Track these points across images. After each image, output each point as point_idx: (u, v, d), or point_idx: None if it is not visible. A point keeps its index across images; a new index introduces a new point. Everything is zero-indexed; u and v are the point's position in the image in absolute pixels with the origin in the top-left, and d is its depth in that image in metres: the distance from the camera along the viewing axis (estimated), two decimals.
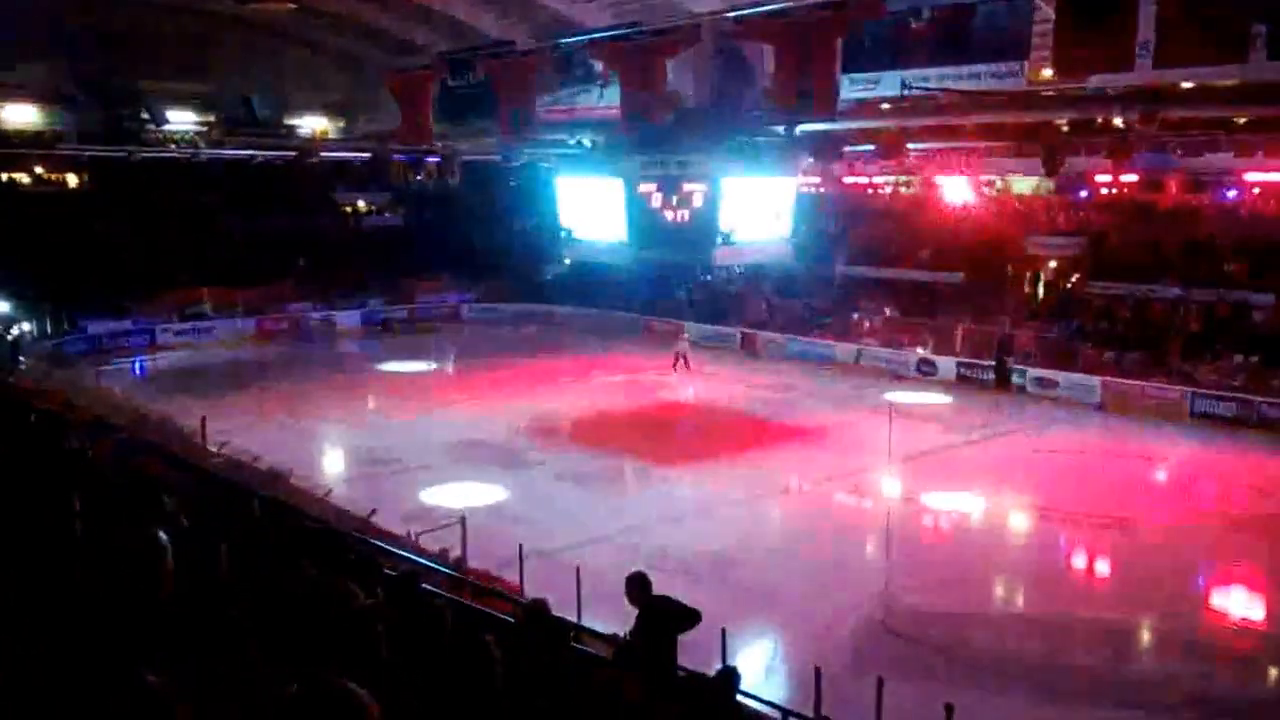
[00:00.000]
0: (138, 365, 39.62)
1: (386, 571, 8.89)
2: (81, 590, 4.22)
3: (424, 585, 9.56)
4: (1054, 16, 31.51)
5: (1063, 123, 34.43)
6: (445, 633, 6.12)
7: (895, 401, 31.70)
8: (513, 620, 9.55)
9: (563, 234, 33.50)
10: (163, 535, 4.25)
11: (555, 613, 7.45)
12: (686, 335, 40.44)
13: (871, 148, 41.83)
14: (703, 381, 37.51)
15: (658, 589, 9.21)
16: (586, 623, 13.02)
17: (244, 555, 6.38)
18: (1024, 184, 44.65)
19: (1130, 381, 32.66)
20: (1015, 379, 34.98)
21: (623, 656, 8.95)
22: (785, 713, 10.59)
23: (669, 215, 31.19)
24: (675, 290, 47.33)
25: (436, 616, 6.35)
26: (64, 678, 3.54)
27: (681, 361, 38.20)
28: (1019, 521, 23.54)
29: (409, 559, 13.58)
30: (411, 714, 4.72)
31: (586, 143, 49.20)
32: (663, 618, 8.86)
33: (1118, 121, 33.57)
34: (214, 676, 3.85)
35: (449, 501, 22.10)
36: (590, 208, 32.17)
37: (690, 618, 8.89)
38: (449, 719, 5.23)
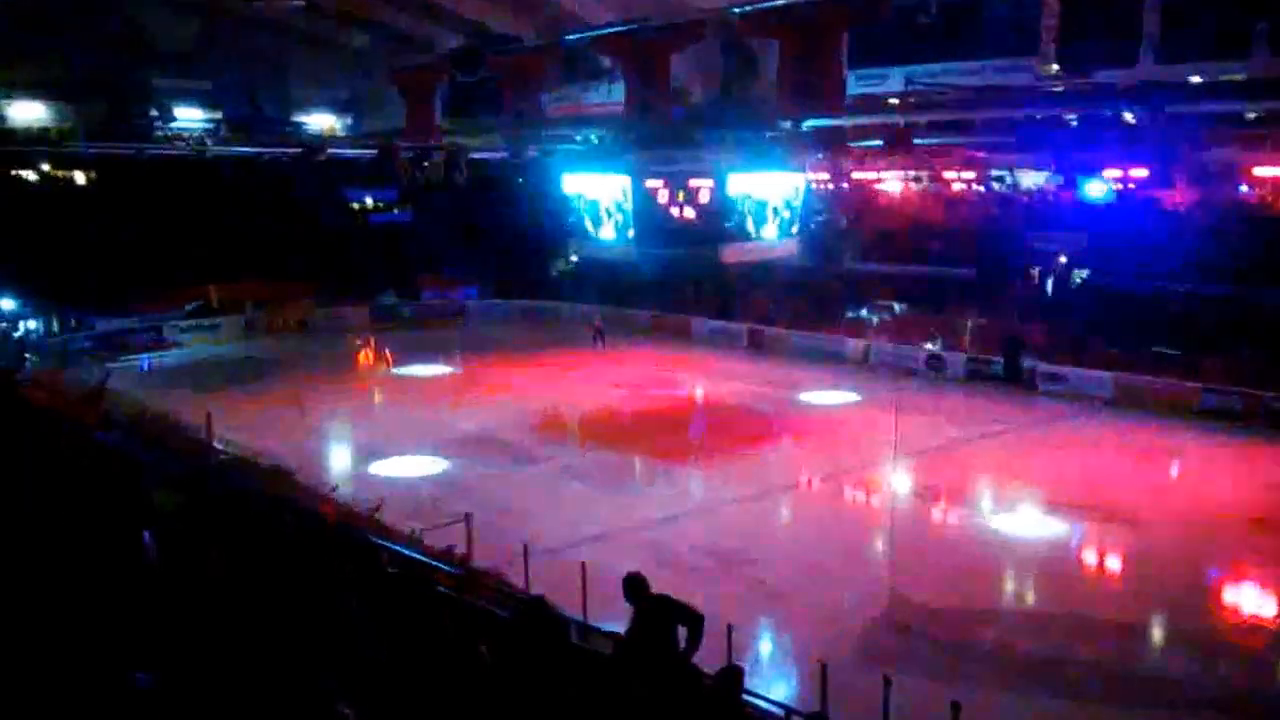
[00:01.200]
0: (144, 362, 39.57)
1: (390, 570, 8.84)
2: (66, 587, 4.17)
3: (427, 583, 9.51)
4: (1060, 12, 31.53)
5: (1071, 118, 34.41)
6: (442, 637, 6.06)
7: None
8: (512, 618, 9.47)
9: (570, 230, 33.49)
10: (147, 536, 4.19)
11: (560, 610, 7.39)
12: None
13: (879, 143, 41.84)
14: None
15: (663, 586, 9.14)
16: (592, 620, 12.96)
17: (240, 556, 6.32)
18: (1033, 178, 44.56)
19: (1141, 376, 32.47)
20: (1025, 374, 34.79)
21: (624, 655, 8.89)
22: (789, 711, 10.51)
23: (676, 212, 31.16)
24: (683, 286, 47.13)
25: (434, 619, 6.29)
26: (52, 675, 3.49)
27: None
28: (1027, 517, 23.38)
29: (413, 557, 13.51)
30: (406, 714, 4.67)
31: (594, 139, 49.32)
32: (663, 617, 8.78)
33: (1128, 116, 33.57)
34: (203, 676, 3.80)
35: (455, 497, 21.95)
36: (597, 204, 32.09)
37: (693, 621, 8.80)
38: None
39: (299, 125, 55.21)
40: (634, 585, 8.80)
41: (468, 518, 17.58)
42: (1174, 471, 27.09)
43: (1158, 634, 17.64)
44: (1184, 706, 14.46)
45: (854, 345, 39.88)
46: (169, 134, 50.07)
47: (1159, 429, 29.66)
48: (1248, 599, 19.25)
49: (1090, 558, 21.40)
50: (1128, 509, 22.67)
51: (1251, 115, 33.16)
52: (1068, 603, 18.50)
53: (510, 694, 5.61)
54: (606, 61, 43.71)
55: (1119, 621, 17.20)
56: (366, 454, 27.26)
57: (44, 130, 48.20)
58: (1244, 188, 37.82)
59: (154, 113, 49.83)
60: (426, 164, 54.19)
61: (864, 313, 42.13)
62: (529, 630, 7.05)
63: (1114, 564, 20.94)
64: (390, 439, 28.07)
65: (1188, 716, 14.33)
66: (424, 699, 5.12)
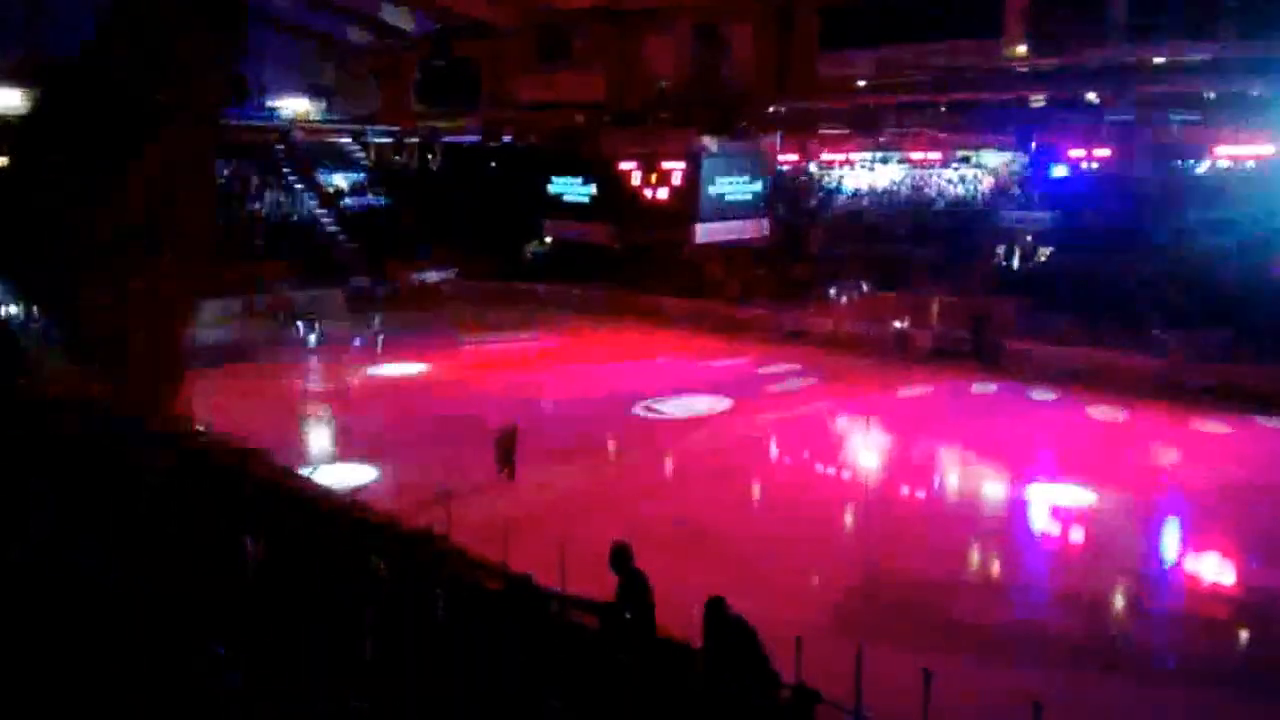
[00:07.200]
0: None
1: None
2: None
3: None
4: None
5: (1039, 99, 34.77)
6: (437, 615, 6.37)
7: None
8: (497, 594, 9.77)
9: (542, 212, 33.74)
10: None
11: (539, 584, 7.69)
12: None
13: (847, 126, 42.13)
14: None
15: (639, 561, 9.49)
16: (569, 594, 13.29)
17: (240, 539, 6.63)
18: (998, 158, 45.09)
19: (1104, 352, 32.99)
20: (991, 351, 35.24)
21: (608, 626, 9.18)
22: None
23: (648, 193, 31.46)
24: (656, 266, 47.25)
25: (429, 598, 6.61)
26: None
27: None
28: (996, 491, 23.87)
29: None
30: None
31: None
32: (638, 592, 9.11)
33: (1091, 97, 33.96)
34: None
35: (431, 479, 22.13)
36: (570, 187, 32.34)
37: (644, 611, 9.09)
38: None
39: (273, 110, 55.02)
40: (617, 554, 9.18)
41: (447, 496, 17.84)
42: (1138, 445, 27.56)
43: (1126, 603, 18.12)
44: (1152, 674, 14.94)
45: (823, 324, 40.27)
46: None
47: (1124, 404, 30.16)
48: (1212, 569, 19.77)
49: (1057, 530, 21.88)
50: (1094, 482, 23.19)
51: (1213, 95, 33.49)
52: (1038, 574, 19.08)
53: (499, 666, 5.93)
54: (578, 44, 43.75)
55: (1087, 592, 17.69)
56: (344, 436, 27.55)
57: (19, 116, 47.84)
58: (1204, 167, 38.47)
59: None
60: (401, 148, 54.26)
61: (832, 291, 42.44)
62: (514, 605, 7.39)
63: (1080, 536, 21.42)
64: (367, 421, 28.32)
65: (1156, 684, 14.77)
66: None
